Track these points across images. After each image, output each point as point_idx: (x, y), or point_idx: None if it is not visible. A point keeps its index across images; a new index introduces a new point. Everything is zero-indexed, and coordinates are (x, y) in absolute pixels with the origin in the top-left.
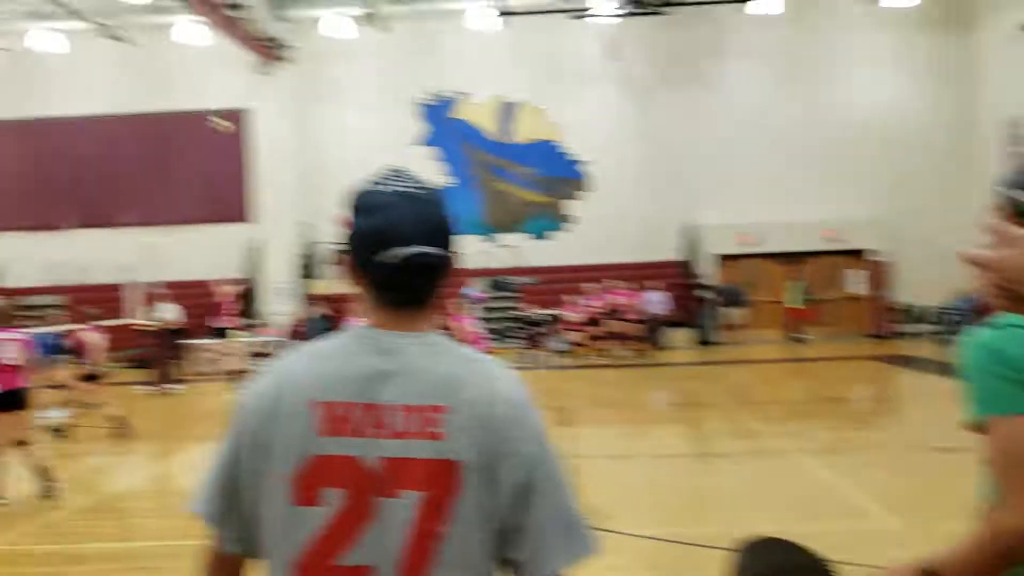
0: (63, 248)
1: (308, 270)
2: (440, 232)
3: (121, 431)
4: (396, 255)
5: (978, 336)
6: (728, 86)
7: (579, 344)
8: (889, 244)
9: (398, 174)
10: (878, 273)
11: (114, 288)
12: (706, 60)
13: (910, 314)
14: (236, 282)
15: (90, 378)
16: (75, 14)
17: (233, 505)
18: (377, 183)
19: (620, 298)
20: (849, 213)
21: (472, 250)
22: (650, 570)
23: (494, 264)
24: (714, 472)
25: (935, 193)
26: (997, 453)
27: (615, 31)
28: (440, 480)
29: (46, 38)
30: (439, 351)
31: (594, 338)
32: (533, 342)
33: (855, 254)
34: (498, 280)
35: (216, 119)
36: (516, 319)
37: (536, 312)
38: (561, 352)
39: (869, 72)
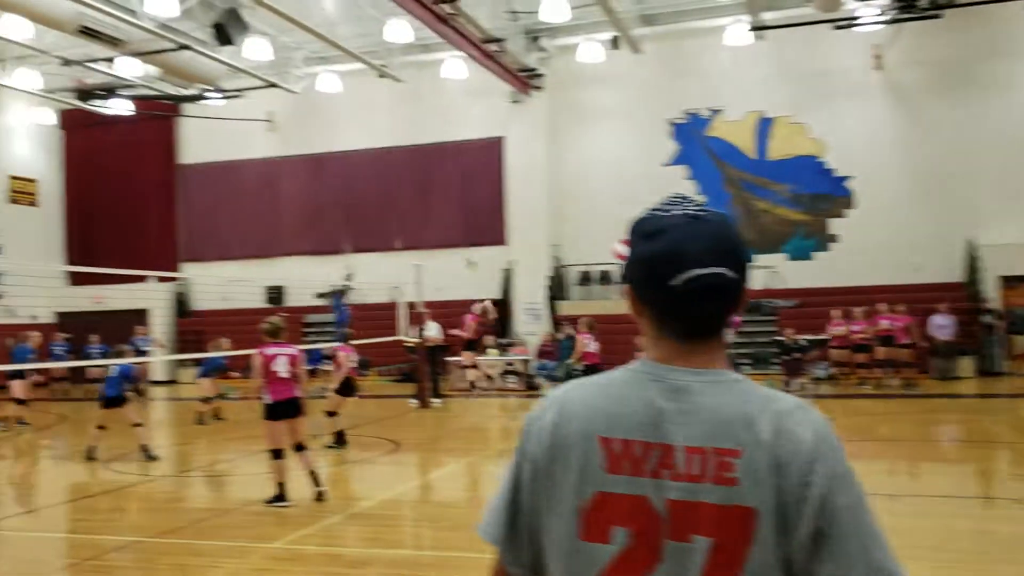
0: (339, 271)
1: (557, 291)
2: (730, 254)
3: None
4: (682, 278)
5: None
6: (1009, 90)
7: (844, 371)
8: None
9: (682, 199)
10: None
11: (387, 307)
12: (983, 63)
13: None
14: (491, 301)
15: (345, 391)
16: (351, 56)
17: (517, 530)
18: (659, 208)
19: (889, 322)
20: None
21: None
22: None
23: (751, 286)
24: (1001, 518)
25: None
26: None
27: (879, 39)
28: (732, 527)
29: (328, 80)
30: (731, 389)
31: (860, 365)
32: (792, 369)
33: None
34: (755, 303)
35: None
36: (774, 344)
37: (796, 337)
38: (823, 380)
39: None
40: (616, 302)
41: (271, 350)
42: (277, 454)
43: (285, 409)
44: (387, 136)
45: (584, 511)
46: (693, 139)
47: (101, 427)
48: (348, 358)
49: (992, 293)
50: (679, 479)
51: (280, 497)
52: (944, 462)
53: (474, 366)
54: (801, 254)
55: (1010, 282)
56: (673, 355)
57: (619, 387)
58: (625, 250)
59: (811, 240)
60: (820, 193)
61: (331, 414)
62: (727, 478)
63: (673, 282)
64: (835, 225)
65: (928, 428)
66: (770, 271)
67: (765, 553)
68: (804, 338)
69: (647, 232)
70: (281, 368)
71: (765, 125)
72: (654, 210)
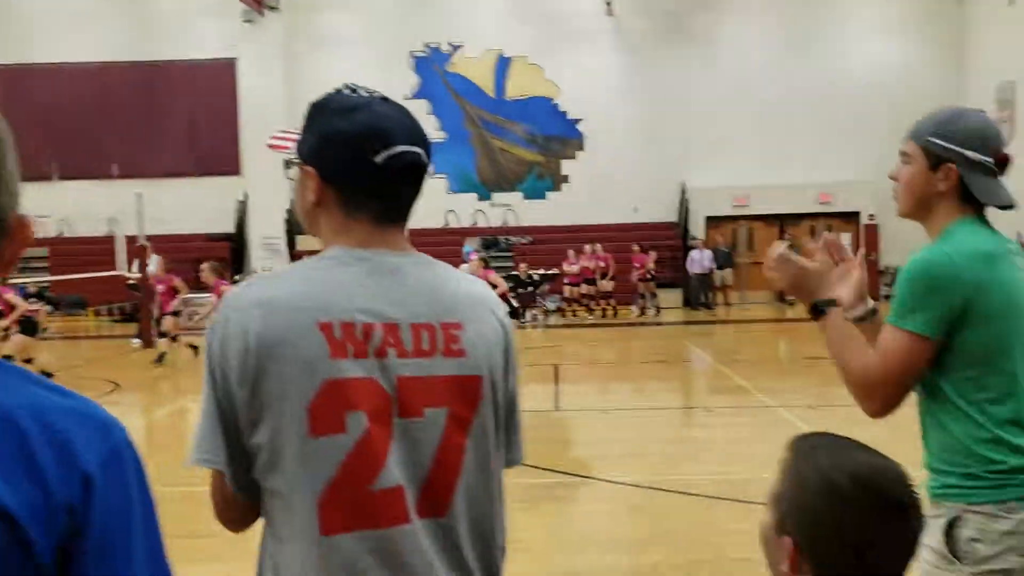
0: (45, 200)
1: (296, 225)
2: (423, 137)
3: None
4: (386, 155)
5: None
6: (725, 45)
7: (573, 303)
8: (879, 207)
9: (356, 85)
10: (868, 235)
11: (102, 241)
12: (703, 17)
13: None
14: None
15: (28, 331)
16: None
17: (233, 448)
18: (343, 89)
19: (613, 259)
20: (842, 175)
21: (466, 208)
22: (632, 514)
23: (488, 223)
24: (698, 425)
25: None
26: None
27: None
28: (463, 396)
29: None
30: (437, 267)
31: (588, 297)
32: (525, 301)
33: (847, 216)
34: (490, 239)
35: None
36: (509, 278)
37: (530, 272)
38: (553, 312)
39: (865, 36)
40: None
41: None
42: None
43: None
44: (104, 50)
45: (313, 405)
46: (434, 73)
47: None
48: (14, 298)
49: (699, 232)
50: (407, 356)
51: None
52: (654, 380)
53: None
54: (535, 193)
55: (713, 221)
56: (368, 239)
57: (326, 273)
58: (292, 137)
59: (545, 180)
60: (554, 135)
61: (27, 361)
62: (456, 350)
63: (378, 158)
64: (567, 166)
65: (642, 352)
66: (507, 209)
67: (487, 414)
68: (537, 272)
69: (340, 109)
70: None
71: (503, 64)
72: (338, 91)
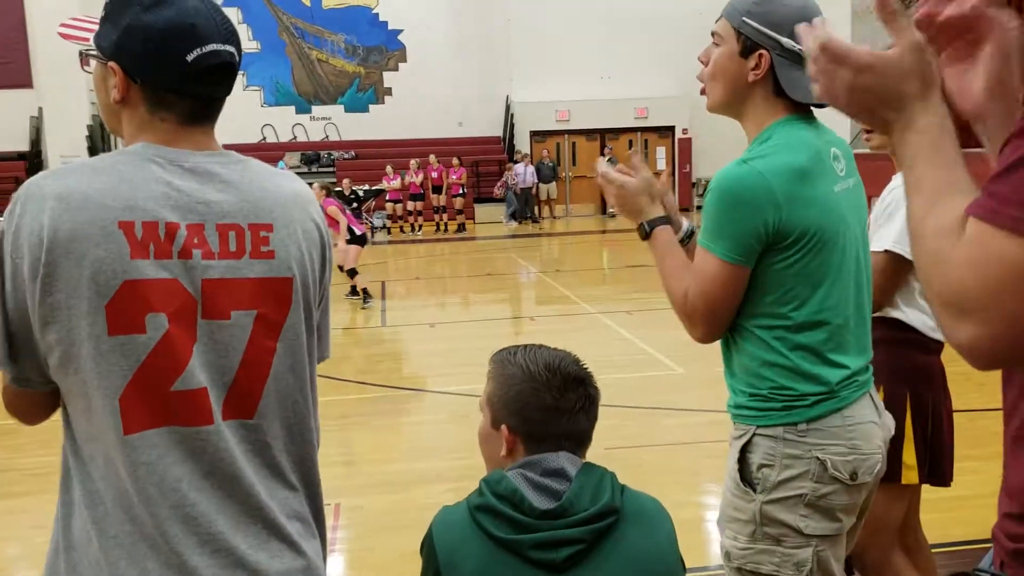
0: None
1: (101, 142)
2: (234, 35)
3: None
4: (198, 52)
5: None
6: None
7: (399, 219)
8: (693, 121)
9: None
10: (681, 149)
11: None
12: None
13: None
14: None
15: None
16: None
17: (18, 345)
18: None
19: (438, 173)
20: (659, 90)
21: (284, 122)
22: (460, 422)
23: (307, 137)
24: (523, 334)
25: None
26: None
27: None
28: (273, 298)
29: None
30: (248, 167)
31: (413, 213)
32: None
33: (663, 131)
34: (312, 154)
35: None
36: (332, 194)
37: (354, 187)
38: (379, 228)
39: None
40: None
41: None
42: None
43: None
44: None
45: (111, 305)
46: None
47: None
48: None
49: (523, 146)
50: (212, 257)
51: None
52: (480, 292)
53: None
54: (357, 106)
55: (537, 136)
56: (174, 138)
57: (128, 170)
58: (88, 26)
59: (366, 92)
60: (373, 46)
61: None
62: (264, 252)
63: (188, 56)
64: (389, 78)
65: (468, 266)
66: (327, 122)
67: (296, 317)
68: (361, 188)
69: (149, 2)
70: None
71: None
72: None
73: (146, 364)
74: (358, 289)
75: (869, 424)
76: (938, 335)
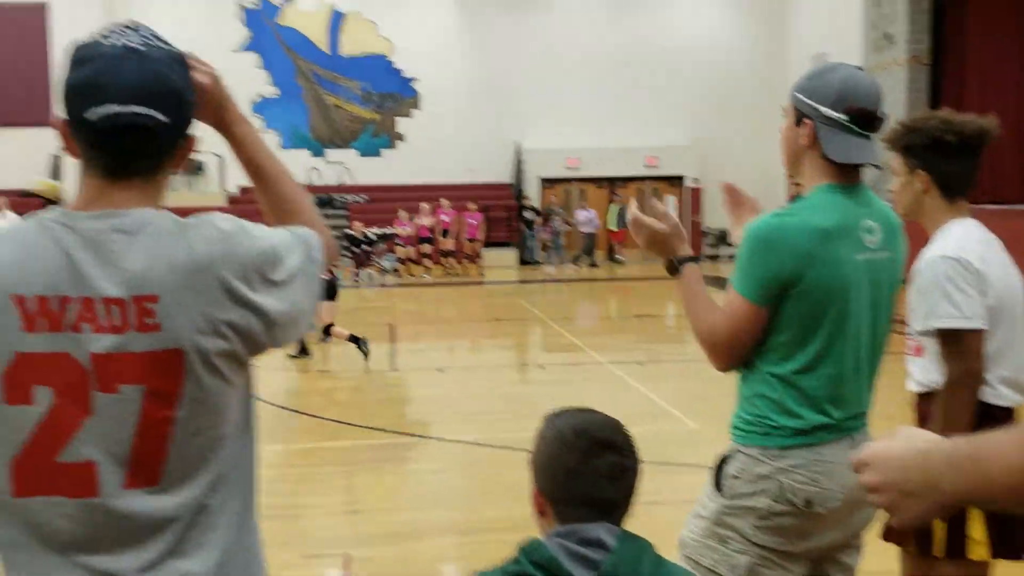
0: None
1: None
2: (162, 96)
3: None
4: (98, 113)
5: None
6: (557, 10)
7: (409, 262)
8: (703, 170)
9: (131, 28)
10: (692, 198)
11: None
12: None
13: (720, 238)
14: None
15: None
16: None
17: None
18: (103, 35)
19: (450, 217)
20: (669, 139)
21: (299, 165)
22: (465, 471)
23: (322, 181)
24: (531, 381)
25: (746, 121)
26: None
27: None
28: (160, 371)
29: None
30: (140, 235)
31: (424, 256)
32: (361, 260)
33: (673, 180)
34: (325, 197)
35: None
36: (344, 237)
37: (365, 231)
38: (389, 271)
39: (693, 3)
40: (205, 194)
41: None
42: None
43: None
44: None
45: (6, 375)
46: (265, 27)
47: None
48: None
49: (533, 192)
50: (102, 331)
51: None
52: (489, 337)
53: None
54: (370, 151)
55: (547, 183)
56: (97, 194)
57: (32, 237)
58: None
59: (380, 138)
60: (388, 92)
61: None
62: (149, 324)
63: (88, 115)
64: (402, 124)
65: (478, 310)
66: (341, 167)
67: (195, 385)
68: (372, 231)
69: (78, 59)
70: None
71: (337, 19)
72: (95, 35)
73: (35, 434)
74: (338, 336)
75: (839, 465)
76: (1004, 401)
